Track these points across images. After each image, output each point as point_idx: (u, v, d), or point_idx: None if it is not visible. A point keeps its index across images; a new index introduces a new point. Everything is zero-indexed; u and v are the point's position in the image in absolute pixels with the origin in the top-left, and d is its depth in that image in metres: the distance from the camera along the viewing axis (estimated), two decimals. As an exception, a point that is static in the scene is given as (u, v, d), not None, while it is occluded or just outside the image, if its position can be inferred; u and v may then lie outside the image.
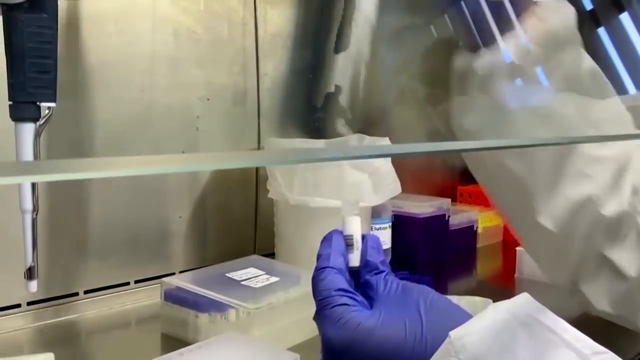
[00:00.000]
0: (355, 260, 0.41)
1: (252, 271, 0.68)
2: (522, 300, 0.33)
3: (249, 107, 0.87)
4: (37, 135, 0.46)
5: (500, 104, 0.48)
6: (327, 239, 0.41)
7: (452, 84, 0.53)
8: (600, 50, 1.42)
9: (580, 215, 0.48)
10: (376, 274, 0.39)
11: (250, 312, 0.58)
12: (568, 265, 0.50)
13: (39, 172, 0.16)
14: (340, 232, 0.41)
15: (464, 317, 0.34)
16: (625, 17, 1.42)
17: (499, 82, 0.49)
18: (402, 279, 0.74)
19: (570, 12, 0.50)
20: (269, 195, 0.80)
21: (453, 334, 0.30)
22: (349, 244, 0.41)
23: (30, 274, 0.48)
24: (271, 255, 0.83)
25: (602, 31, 1.42)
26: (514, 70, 0.49)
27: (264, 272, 0.68)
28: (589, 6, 1.45)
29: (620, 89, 1.35)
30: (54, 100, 0.47)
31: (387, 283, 0.39)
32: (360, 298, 0.38)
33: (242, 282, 0.65)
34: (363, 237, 0.41)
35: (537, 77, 0.49)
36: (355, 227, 0.41)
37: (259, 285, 0.64)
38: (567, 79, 0.48)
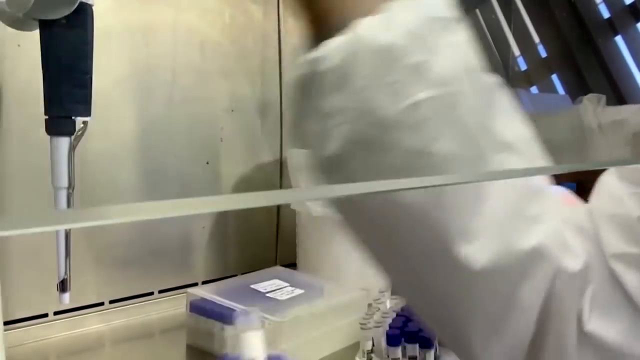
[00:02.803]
0: None
1: (276, 283, 0.69)
2: None
3: (272, 118, 0.87)
4: (71, 148, 0.47)
5: None
6: None
7: None
8: (617, 58, 1.42)
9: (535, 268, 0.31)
10: None
11: (277, 324, 0.58)
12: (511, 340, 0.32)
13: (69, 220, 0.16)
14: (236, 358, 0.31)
15: None
16: (642, 26, 1.41)
17: None
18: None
19: None
20: (292, 206, 0.80)
21: None
22: None
23: (63, 286, 0.49)
24: (292, 265, 0.83)
25: (619, 39, 1.42)
26: None
27: (288, 284, 0.68)
28: (606, 14, 1.45)
29: (637, 97, 1.34)
30: (89, 115, 0.47)
31: None
32: None
33: (267, 294, 0.65)
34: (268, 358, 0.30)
35: None
36: (256, 348, 0.32)
37: (284, 297, 0.64)
38: None
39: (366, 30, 0.29)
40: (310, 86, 0.31)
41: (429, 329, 0.34)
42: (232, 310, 0.61)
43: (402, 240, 0.32)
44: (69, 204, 0.47)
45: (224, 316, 0.61)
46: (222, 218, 0.83)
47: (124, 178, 0.72)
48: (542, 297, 0.31)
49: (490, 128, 0.30)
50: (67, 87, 0.46)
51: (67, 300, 0.49)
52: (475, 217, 0.29)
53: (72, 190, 0.47)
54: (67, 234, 0.48)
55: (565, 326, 0.31)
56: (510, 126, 0.30)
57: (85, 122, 0.47)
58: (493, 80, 0.31)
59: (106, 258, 0.72)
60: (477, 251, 0.29)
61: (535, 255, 0.30)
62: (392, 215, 0.31)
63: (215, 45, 0.80)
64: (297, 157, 0.82)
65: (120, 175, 0.72)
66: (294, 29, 0.89)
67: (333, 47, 0.30)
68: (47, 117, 0.46)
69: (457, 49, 0.30)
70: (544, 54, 1.52)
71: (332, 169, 0.32)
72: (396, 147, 0.29)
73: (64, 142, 0.46)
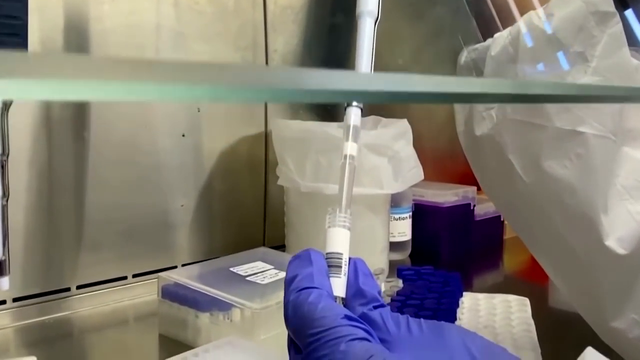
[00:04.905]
0: (339, 288, 0.29)
1: (259, 265, 0.62)
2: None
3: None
4: (4, 110, 0.40)
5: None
6: (300, 258, 0.30)
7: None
8: (628, 32, 1.35)
9: None
10: (376, 307, 0.29)
11: (256, 312, 0.51)
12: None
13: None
14: (319, 252, 0.30)
15: None
16: (657, -4, 1.34)
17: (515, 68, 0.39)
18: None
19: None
20: (279, 182, 0.73)
21: None
22: (333, 264, 0.30)
23: (1, 269, 0.42)
24: (281, 247, 0.77)
25: (629, 13, 1.35)
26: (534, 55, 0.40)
27: (272, 267, 0.61)
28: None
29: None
30: (24, 69, 0.40)
31: (400, 320, 0.29)
32: (374, 334, 0.28)
33: (248, 278, 0.59)
34: (349, 260, 0.31)
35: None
36: (343, 244, 0.30)
37: (266, 281, 0.58)
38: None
39: (529, 23, 0.36)
40: (479, 71, 0.39)
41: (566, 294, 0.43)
42: (207, 296, 0.54)
43: (551, 209, 0.39)
44: (3, 175, 0.40)
45: (198, 303, 0.55)
46: (203, 195, 0.76)
47: (90, 151, 0.65)
48: None
49: (625, 115, 0.37)
50: (-5, 35, 0.39)
51: (6, 286, 0.42)
52: (609, 191, 0.37)
53: (7, 158, 0.41)
54: (4, 207, 0.41)
55: None
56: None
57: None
58: (637, 63, 0.38)
59: (74, 238, 0.65)
60: (611, 221, 0.37)
61: None
62: (544, 187, 0.38)
63: (191, 3, 0.72)
64: (282, 129, 0.75)
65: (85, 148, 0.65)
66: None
67: (498, 37, 0.38)
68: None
69: (613, 40, 0.36)
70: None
71: (482, 146, 0.40)
72: (549, 127, 0.37)
73: (-6, 101, 0.40)
